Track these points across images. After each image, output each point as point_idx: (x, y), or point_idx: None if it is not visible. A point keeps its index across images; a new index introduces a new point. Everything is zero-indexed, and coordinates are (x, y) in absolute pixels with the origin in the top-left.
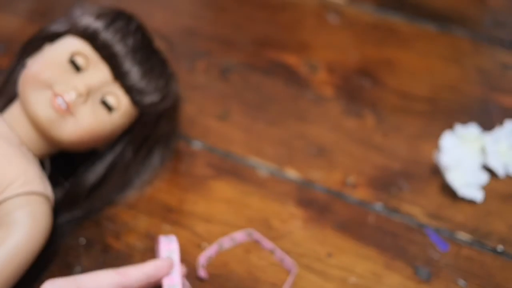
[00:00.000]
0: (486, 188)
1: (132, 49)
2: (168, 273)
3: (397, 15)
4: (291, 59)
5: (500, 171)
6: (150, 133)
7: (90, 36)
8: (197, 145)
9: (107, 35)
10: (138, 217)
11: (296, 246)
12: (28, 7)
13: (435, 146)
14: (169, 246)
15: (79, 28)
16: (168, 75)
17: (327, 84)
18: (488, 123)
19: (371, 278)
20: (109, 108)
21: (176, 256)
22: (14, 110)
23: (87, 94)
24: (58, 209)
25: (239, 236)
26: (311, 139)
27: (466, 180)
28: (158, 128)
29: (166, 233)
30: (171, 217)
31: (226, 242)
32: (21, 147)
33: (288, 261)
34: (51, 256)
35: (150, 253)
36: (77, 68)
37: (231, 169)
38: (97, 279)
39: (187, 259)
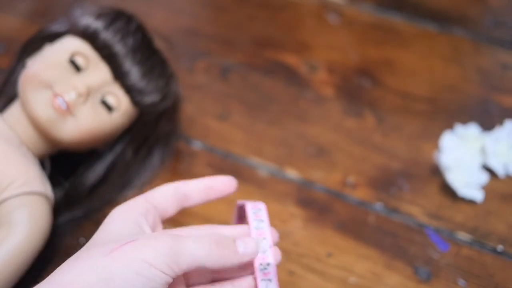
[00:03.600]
0: (486, 188)
1: (132, 49)
2: (230, 189)
3: (397, 15)
4: (291, 59)
5: (500, 171)
6: (150, 133)
7: (90, 36)
8: (197, 145)
9: (107, 35)
10: None
11: (296, 246)
12: (28, 7)
13: (435, 146)
14: (256, 214)
15: (79, 28)
16: (168, 75)
17: (327, 84)
18: (488, 123)
19: (371, 278)
20: (109, 108)
21: (265, 224)
22: (14, 110)
23: (87, 94)
24: (58, 209)
25: None
26: (311, 139)
27: (466, 180)
28: (158, 128)
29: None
30: (171, 217)
31: None
32: (21, 147)
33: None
34: (51, 256)
35: None
36: (77, 68)
37: (231, 169)
38: (160, 190)
39: None
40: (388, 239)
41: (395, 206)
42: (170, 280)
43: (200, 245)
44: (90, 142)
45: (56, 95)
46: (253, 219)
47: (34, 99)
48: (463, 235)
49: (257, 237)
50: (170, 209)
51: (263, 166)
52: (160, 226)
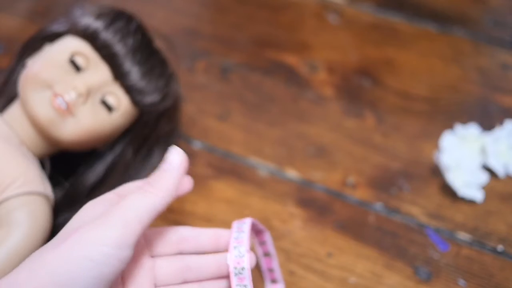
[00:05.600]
0: (486, 188)
1: (132, 49)
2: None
3: (397, 15)
4: (291, 59)
5: (500, 171)
6: (150, 133)
7: (90, 36)
8: (197, 145)
9: (107, 35)
10: None
11: (296, 246)
12: (28, 7)
13: (435, 146)
14: (239, 228)
15: (79, 28)
16: (168, 75)
17: (327, 84)
18: (488, 123)
19: (371, 278)
20: (109, 108)
21: (245, 234)
22: (14, 110)
23: (87, 94)
24: (58, 209)
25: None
26: (311, 139)
27: (466, 180)
28: (158, 128)
29: None
30: (172, 217)
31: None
32: (21, 147)
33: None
34: None
35: None
36: (77, 68)
37: (231, 169)
38: (126, 187)
39: None
40: (388, 239)
41: (395, 206)
42: (126, 255)
43: (143, 200)
44: (90, 142)
45: (56, 95)
46: (234, 231)
47: (34, 99)
48: (463, 235)
49: (235, 244)
50: None
51: (263, 166)
52: None
